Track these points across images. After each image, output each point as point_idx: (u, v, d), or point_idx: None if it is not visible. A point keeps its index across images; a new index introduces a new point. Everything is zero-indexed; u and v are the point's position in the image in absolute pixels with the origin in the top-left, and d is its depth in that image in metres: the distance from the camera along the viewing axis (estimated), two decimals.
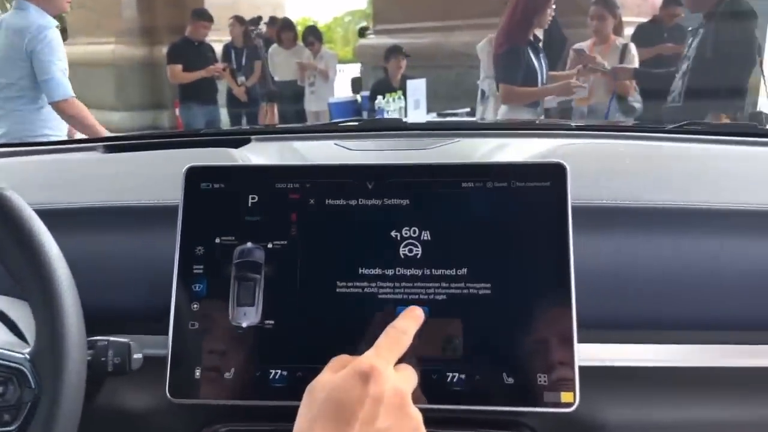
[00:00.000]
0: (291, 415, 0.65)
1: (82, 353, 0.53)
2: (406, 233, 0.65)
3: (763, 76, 2.81)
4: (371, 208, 0.66)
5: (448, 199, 0.66)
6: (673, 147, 0.99)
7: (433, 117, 4.19)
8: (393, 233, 0.65)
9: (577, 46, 3.29)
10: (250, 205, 0.67)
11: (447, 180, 0.66)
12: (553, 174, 0.65)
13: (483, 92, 3.38)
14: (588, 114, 3.25)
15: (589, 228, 0.68)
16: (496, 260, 0.64)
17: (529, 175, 0.65)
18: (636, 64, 3.22)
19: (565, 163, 0.64)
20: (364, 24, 6.75)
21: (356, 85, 5.92)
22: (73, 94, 2.47)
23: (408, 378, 0.55)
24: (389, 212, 0.66)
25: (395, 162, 0.68)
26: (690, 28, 2.94)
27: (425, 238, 0.65)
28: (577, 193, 0.64)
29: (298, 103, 5.65)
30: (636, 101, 3.20)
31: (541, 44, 3.01)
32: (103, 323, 0.64)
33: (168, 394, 0.63)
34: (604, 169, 0.79)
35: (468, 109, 4.23)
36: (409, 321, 0.59)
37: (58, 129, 2.57)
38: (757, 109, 3.06)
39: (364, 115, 4.90)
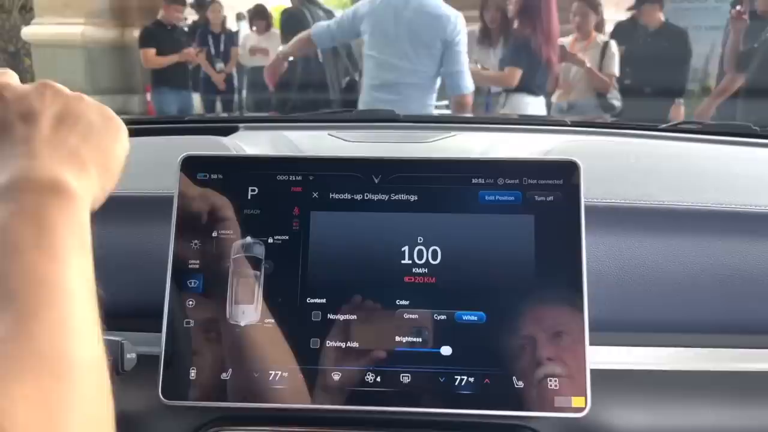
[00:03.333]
0: (291, 418, 0.63)
1: None
2: (414, 229, 0.63)
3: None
4: (378, 203, 0.64)
5: (457, 195, 0.63)
6: (672, 146, 0.98)
7: None
8: (401, 229, 0.63)
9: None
10: (249, 197, 0.64)
11: (456, 176, 0.64)
12: (566, 172, 0.63)
13: None
14: (567, 110, 3.26)
15: (600, 228, 0.66)
16: (506, 259, 0.62)
17: (541, 172, 0.63)
18: (616, 62, 3.24)
19: (578, 161, 0.63)
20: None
21: None
22: (473, 88, 2.31)
23: None
24: (397, 207, 0.63)
25: (403, 156, 0.65)
26: None
27: (435, 234, 0.63)
28: (587, 192, 0.63)
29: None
30: (615, 98, 3.22)
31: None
32: None
33: (160, 396, 0.60)
34: (612, 167, 0.77)
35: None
36: None
37: None
38: None
39: None
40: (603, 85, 3.20)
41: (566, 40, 3.30)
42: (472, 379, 0.60)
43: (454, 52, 2.21)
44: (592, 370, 0.59)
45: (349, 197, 0.64)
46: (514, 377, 0.60)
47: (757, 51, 2.87)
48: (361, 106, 2.43)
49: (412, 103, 2.28)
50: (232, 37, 5.55)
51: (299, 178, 0.64)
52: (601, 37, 3.31)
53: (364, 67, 2.42)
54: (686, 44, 3.82)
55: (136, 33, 5.21)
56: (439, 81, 2.31)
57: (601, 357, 0.62)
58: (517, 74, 2.82)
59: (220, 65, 5.29)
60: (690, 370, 0.64)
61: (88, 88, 7.08)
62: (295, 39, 2.57)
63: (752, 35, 2.97)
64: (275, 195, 0.64)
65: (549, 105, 3.23)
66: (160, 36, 4.73)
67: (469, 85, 2.28)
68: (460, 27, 2.21)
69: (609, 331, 0.64)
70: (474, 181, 0.64)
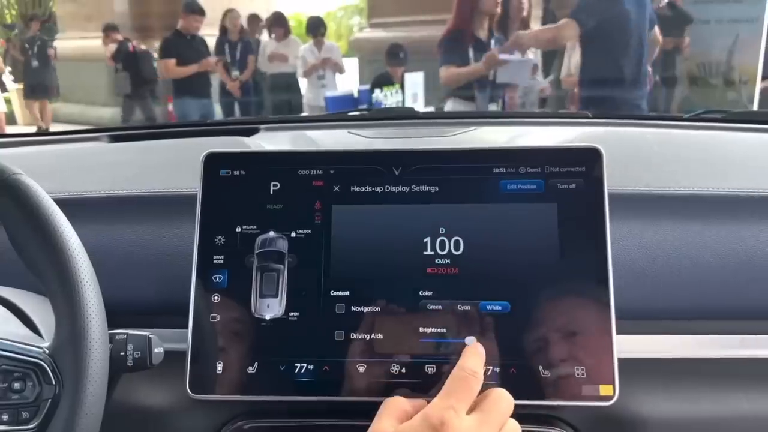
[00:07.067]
0: (317, 410, 0.63)
1: (104, 348, 0.50)
2: (435, 220, 0.63)
3: None
4: (399, 195, 0.64)
5: (479, 185, 0.63)
6: (696, 134, 0.97)
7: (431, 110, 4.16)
8: (422, 221, 0.63)
9: None
10: (272, 192, 0.65)
11: (477, 165, 0.64)
12: (589, 159, 0.62)
13: None
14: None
15: (625, 215, 0.65)
16: (529, 248, 0.61)
17: (563, 159, 0.63)
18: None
19: (600, 148, 0.62)
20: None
21: None
22: None
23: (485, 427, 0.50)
24: (418, 199, 0.63)
25: (422, 147, 0.65)
26: None
27: (457, 225, 0.62)
28: (610, 179, 0.62)
29: (293, 94, 5.61)
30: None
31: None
32: (120, 317, 0.61)
33: (188, 390, 0.61)
34: (635, 155, 0.76)
35: None
36: (476, 359, 0.55)
37: None
38: None
39: None
40: None
41: None
42: (497, 369, 0.59)
43: None
44: (619, 359, 0.58)
45: (370, 190, 0.64)
46: (540, 366, 0.59)
47: None
48: None
49: None
50: (249, 45, 5.61)
51: (320, 172, 0.65)
52: None
53: None
54: None
55: (157, 44, 5.30)
56: None
57: (628, 345, 0.61)
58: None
59: (235, 73, 5.35)
60: (720, 357, 0.63)
61: (112, 99, 7.23)
62: None
63: None
64: (297, 189, 0.64)
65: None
66: (180, 46, 4.79)
67: None
68: None
69: (636, 319, 0.63)
70: (495, 170, 0.63)
